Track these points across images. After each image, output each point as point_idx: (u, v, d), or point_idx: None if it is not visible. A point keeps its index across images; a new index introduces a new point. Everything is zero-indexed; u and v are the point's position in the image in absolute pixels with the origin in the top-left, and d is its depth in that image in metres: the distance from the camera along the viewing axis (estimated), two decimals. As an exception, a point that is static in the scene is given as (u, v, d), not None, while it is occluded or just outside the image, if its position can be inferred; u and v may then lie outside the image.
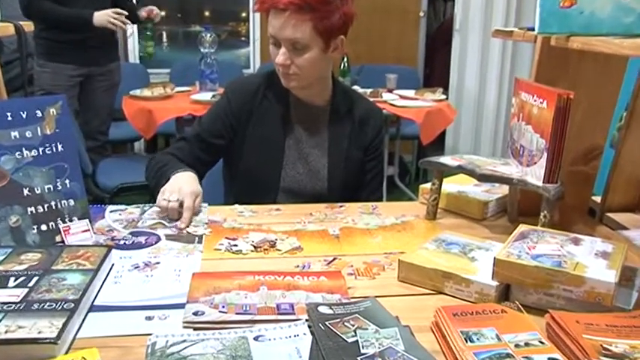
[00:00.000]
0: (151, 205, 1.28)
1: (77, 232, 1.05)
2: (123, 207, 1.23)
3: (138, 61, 4.01)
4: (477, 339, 0.72)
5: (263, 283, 0.87)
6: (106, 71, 2.86)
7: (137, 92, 2.94)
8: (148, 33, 3.49)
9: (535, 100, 1.05)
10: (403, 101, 3.05)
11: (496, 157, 1.26)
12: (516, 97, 1.14)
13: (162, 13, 3.05)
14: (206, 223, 1.17)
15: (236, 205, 1.29)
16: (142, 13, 2.88)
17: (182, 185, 1.21)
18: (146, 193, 2.48)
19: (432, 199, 1.23)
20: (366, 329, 0.74)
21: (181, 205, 1.17)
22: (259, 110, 1.38)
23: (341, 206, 1.31)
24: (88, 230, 1.07)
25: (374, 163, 1.48)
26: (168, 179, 1.24)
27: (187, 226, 1.14)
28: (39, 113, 1.03)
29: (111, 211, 1.21)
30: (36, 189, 1.02)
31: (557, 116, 0.99)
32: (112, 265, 0.96)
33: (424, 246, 0.99)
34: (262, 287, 0.86)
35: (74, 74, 2.73)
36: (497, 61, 3.92)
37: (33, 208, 1.02)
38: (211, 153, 1.38)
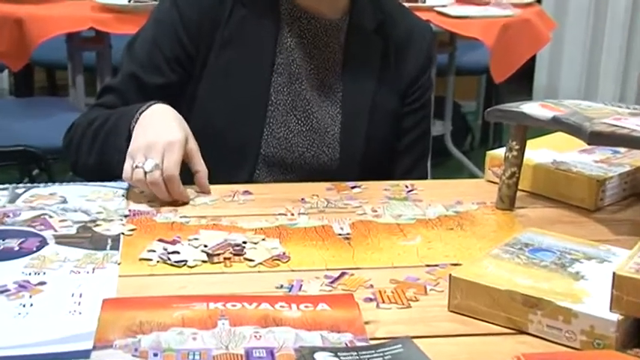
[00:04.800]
0: (27, 185, 1.30)
1: None
2: (-23, 189, 1.26)
3: None
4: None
5: (223, 314, 0.89)
6: None
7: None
8: None
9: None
10: (461, 8, 3.05)
11: (624, 102, 1.28)
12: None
13: None
14: (125, 216, 1.19)
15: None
16: None
17: (157, 134, 1.23)
18: (14, 166, 2.50)
19: (508, 175, 1.25)
20: (397, 392, 0.77)
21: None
22: (229, 26, 1.40)
23: (354, 187, 1.34)
24: None
25: (418, 117, 1.51)
26: (129, 134, 1.26)
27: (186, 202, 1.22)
28: None
29: (-44, 196, 1.23)
30: None
31: None
32: (-39, 287, 0.97)
33: (493, 253, 1.01)
34: (222, 322, 0.88)
35: None
36: None
37: None
38: (157, 99, 1.39)
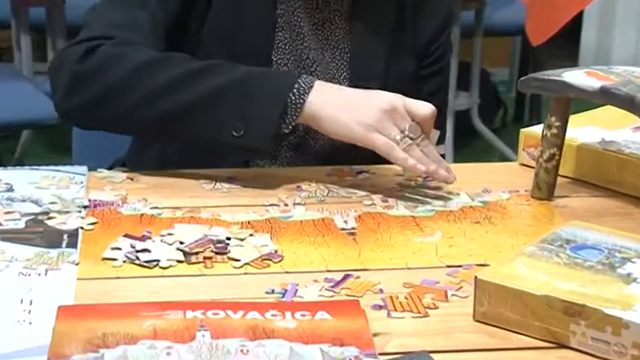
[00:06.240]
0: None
1: None
2: None
3: None
4: None
5: (203, 324, 0.89)
6: None
7: None
8: None
9: None
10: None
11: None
12: None
13: None
14: (85, 207, 1.20)
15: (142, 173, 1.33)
16: None
17: (371, 98, 1.26)
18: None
19: (547, 158, 1.25)
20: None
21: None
22: None
23: (360, 172, 1.35)
24: None
25: (437, 83, 1.53)
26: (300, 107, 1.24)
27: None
28: None
29: None
30: None
31: None
32: None
33: (528, 251, 1.01)
34: (201, 333, 0.88)
35: None
36: None
37: None
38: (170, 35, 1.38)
